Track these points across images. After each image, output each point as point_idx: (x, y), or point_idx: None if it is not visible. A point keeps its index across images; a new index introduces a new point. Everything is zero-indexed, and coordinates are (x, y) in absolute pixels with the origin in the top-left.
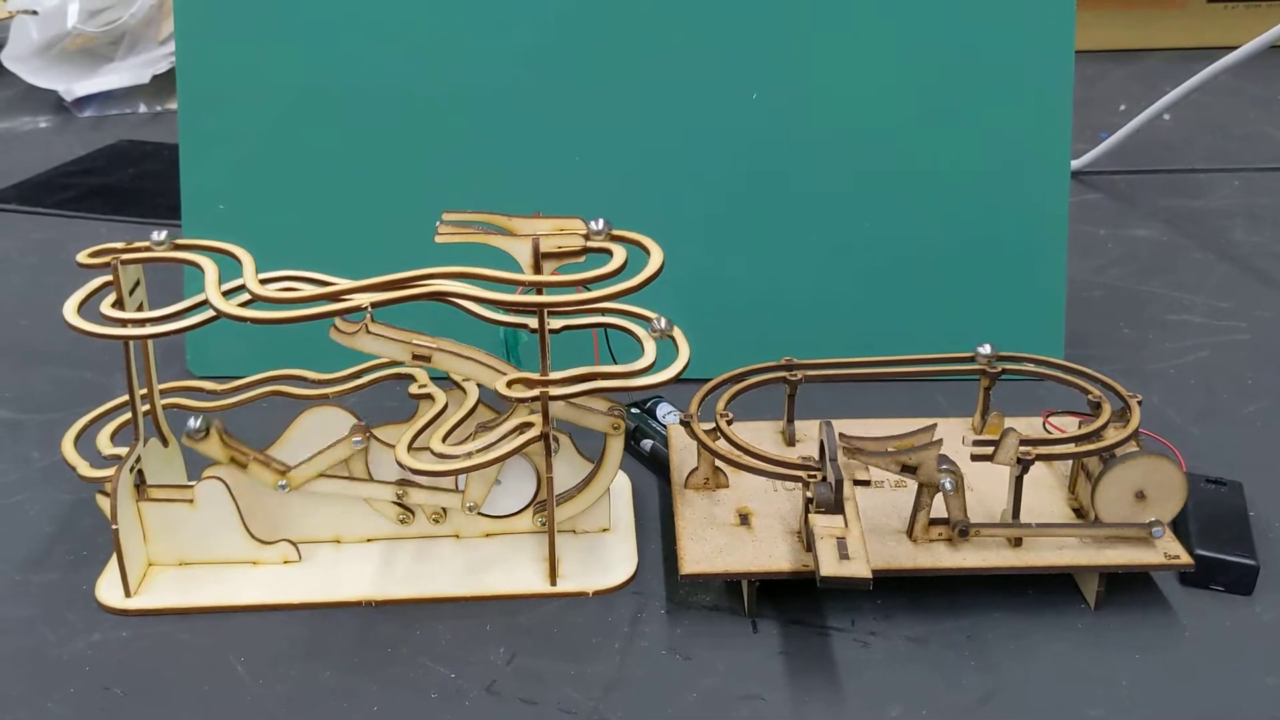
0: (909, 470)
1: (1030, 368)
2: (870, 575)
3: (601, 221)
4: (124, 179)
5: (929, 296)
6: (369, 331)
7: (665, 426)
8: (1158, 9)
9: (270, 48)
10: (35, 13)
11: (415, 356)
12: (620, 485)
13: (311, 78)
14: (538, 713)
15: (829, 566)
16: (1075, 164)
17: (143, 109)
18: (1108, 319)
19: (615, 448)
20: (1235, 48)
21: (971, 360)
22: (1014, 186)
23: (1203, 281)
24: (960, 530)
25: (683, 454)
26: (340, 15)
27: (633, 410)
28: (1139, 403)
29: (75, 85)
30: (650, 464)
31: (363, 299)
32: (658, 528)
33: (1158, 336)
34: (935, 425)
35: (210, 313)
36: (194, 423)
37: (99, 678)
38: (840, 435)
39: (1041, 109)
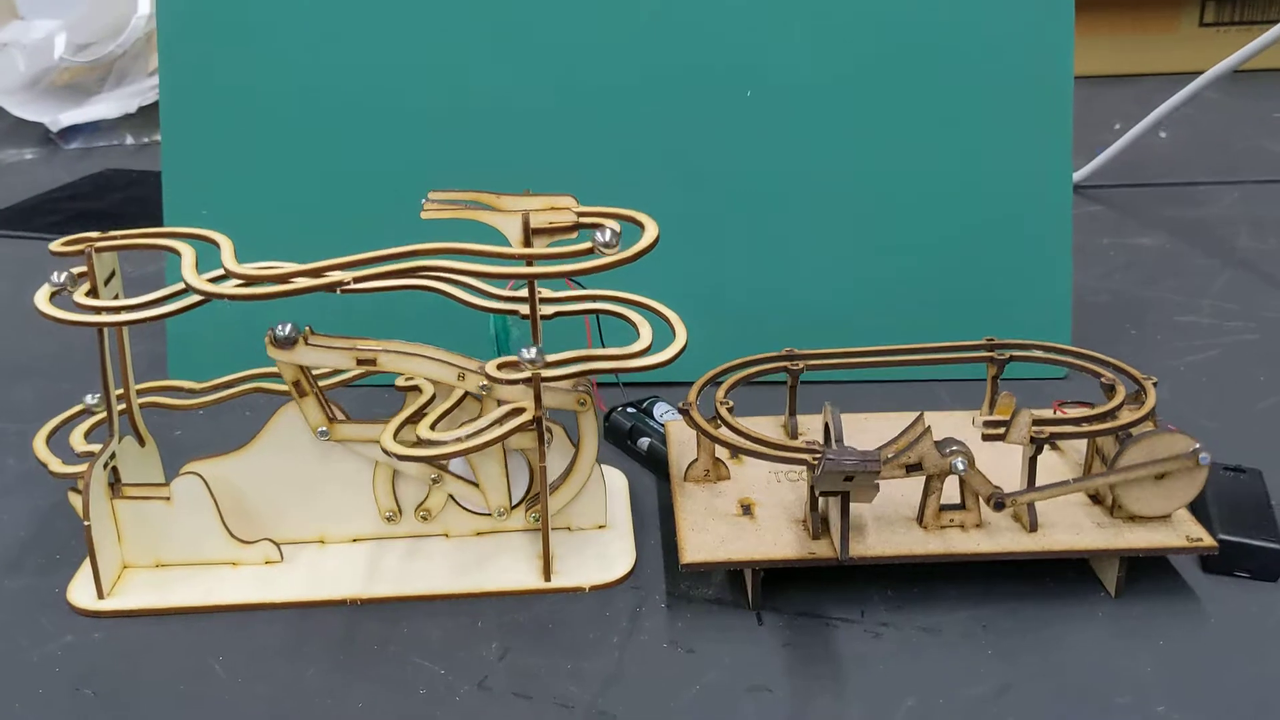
0: (915, 469)
1: (1039, 354)
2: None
3: (610, 233)
4: (110, 204)
5: (934, 300)
6: (307, 343)
7: (663, 425)
8: (1149, 34)
9: (253, 59)
10: None
11: (360, 361)
12: (617, 483)
13: (294, 88)
14: (532, 707)
15: None
16: (1075, 176)
17: (129, 140)
18: (1114, 322)
19: (588, 425)
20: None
21: (975, 349)
22: (1017, 184)
23: (1208, 285)
24: (996, 502)
25: (682, 447)
26: (323, 30)
27: (629, 409)
28: (1154, 384)
29: (61, 116)
30: (647, 463)
31: (343, 274)
32: (656, 525)
33: (1166, 337)
34: (921, 415)
35: (188, 300)
36: (282, 330)
37: (69, 679)
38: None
39: (1043, 102)
